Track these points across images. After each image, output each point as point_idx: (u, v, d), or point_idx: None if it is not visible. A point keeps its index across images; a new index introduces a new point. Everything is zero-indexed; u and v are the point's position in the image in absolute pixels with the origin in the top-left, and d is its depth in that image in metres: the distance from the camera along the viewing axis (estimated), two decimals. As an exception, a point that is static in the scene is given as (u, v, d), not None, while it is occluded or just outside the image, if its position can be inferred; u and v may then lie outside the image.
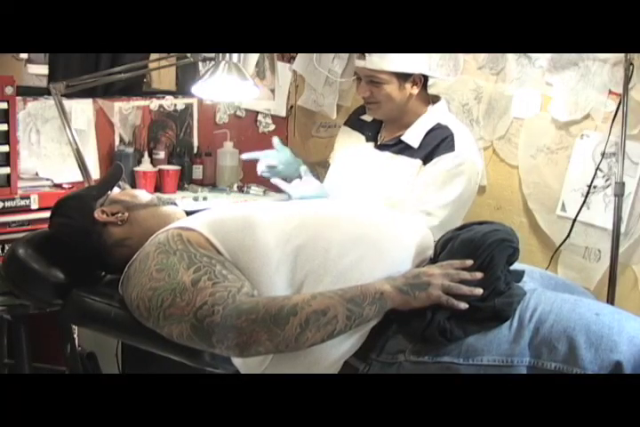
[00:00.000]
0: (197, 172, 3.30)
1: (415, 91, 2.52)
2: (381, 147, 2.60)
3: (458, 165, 2.45)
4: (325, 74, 3.40)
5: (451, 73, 3.08)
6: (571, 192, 2.78)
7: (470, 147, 2.53)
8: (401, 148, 2.54)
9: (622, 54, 2.52)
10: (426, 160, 2.49)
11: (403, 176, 2.50)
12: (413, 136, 2.53)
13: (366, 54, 2.49)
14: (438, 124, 2.52)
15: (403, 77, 2.49)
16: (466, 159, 2.47)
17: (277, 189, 3.31)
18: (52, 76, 3.01)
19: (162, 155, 3.20)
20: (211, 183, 3.31)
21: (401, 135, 2.55)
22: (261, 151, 2.70)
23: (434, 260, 1.67)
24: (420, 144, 2.51)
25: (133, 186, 2.98)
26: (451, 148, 2.46)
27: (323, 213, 1.76)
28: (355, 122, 2.72)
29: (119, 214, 1.85)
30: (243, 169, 3.45)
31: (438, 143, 2.48)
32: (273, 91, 3.55)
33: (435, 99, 2.63)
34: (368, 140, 2.65)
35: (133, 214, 1.85)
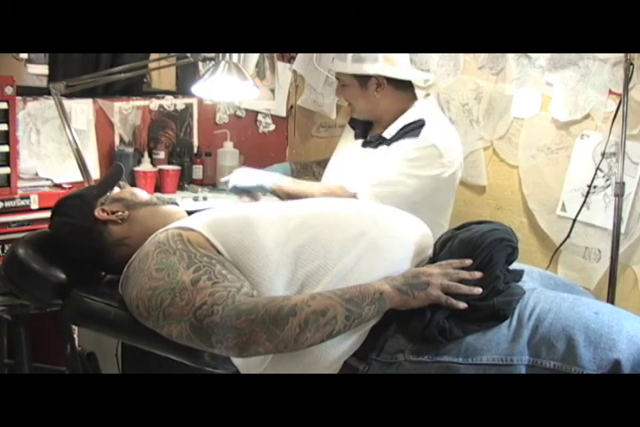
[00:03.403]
0: (197, 172, 3.30)
1: (380, 92, 2.54)
2: (365, 144, 2.65)
3: (416, 149, 2.46)
4: (325, 74, 3.40)
5: (451, 73, 3.09)
6: (571, 192, 2.78)
7: (440, 136, 2.52)
8: (380, 142, 2.58)
9: (622, 54, 2.52)
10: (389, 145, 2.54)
11: (377, 165, 2.53)
12: (391, 130, 2.56)
13: (334, 56, 2.55)
14: (419, 120, 2.54)
15: (362, 79, 2.54)
16: (428, 146, 2.47)
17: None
18: (51, 76, 3.01)
19: (162, 155, 3.20)
20: (211, 183, 3.31)
21: (382, 133, 2.59)
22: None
23: (433, 259, 1.67)
24: (394, 135, 2.55)
25: (133, 186, 2.98)
26: (415, 135, 2.48)
27: (322, 214, 1.76)
28: (352, 120, 2.76)
29: (119, 213, 1.85)
30: (243, 169, 3.45)
31: (406, 132, 2.51)
32: (273, 91, 3.55)
33: (426, 95, 2.65)
34: (357, 137, 2.69)
35: (133, 213, 1.86)
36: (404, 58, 2.60)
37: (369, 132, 2.68)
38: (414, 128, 2.51)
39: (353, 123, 2.74)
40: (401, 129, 2.54)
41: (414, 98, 2.62)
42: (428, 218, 1.93)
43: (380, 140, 2.58)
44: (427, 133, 2.49)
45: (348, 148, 2.72)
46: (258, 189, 2.60)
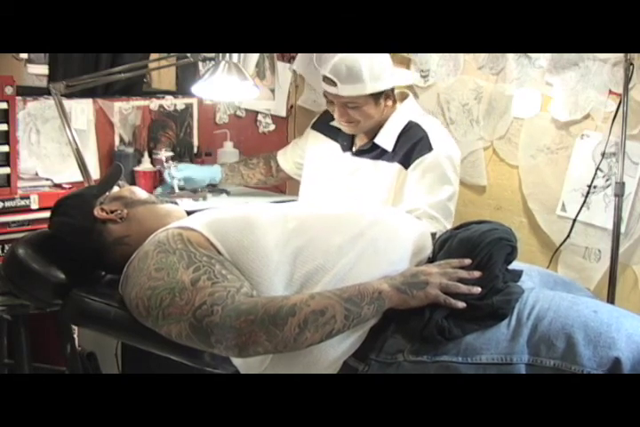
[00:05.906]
0: (197, 172, 3.29)
1: (390, 102, 2.53)
2: (358, 153, 2.60)
3: (440, 164, 2.46)
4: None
5: (451, 73, 3.08)
6: (571, 192, 2.79)
7: (446, 142, 2.53)
8: (378, 153, 2.55)
9: (622, 54, 2.53)
10: (404, 163, 2.49)
11: (384, 181, 2.51)
12: (386, 139, 2.53)
13: (337, 82, 2.49)
14: (410, 123, 2.52)
15: (377, 96, 2.50)
16: (445, 156, 2.47)
17: (277, 190, 3.32)
18: (51, 76, 3.01)
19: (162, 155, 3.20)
20: (211, 183, 3.31)
21: (374, 139, 2.55)
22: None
23: (432, 259, 1.67)
24: (396, 147, 2.51)
25: (133, 186, 2.98)
26: (428, 148, 2.46)
27: (322, 214, 1.76)
28: (325, 128, 2.70)
29: (118, 212, 1.85)
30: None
31: (413, 145, 2.48)
32: (273, 91, 3.54)
33: (403, 95, 2.63)
34: (345, 150, 2.65)
35: (132, 211, 1.86)
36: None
37: (354, 140, 2.64)
38: (418, 140, 2.47)
39: (330, 132, 2.67)
40: (399, 138, 2.51)
41: (395, 99, 2.59)
42: None
43: (379, 151, 2.53)
44: (436, 144, 2.46)
45: (337, 161, 2.65)
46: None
